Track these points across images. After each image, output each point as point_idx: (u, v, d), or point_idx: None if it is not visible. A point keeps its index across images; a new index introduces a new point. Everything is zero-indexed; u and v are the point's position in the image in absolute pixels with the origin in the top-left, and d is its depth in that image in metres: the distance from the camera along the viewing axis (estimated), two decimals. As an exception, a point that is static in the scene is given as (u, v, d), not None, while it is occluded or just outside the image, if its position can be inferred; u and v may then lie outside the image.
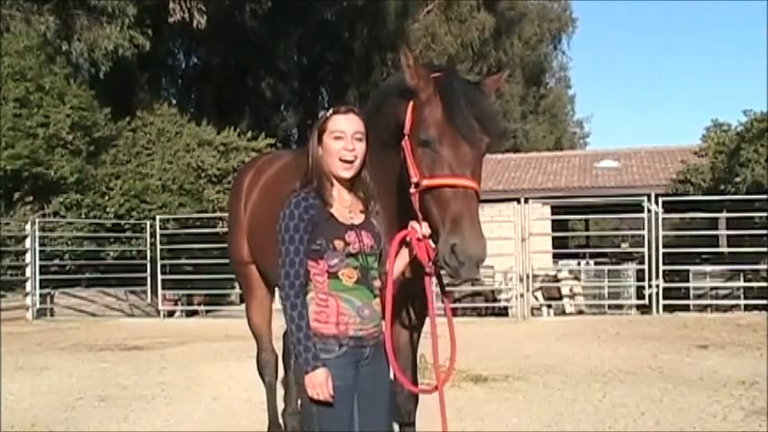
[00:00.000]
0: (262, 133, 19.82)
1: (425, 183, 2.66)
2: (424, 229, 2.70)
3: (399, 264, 2.78)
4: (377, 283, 2.68)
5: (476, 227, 2.56)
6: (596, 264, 18.74)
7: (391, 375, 2.80)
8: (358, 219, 2.69)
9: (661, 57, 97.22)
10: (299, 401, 2.64)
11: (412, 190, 2.70)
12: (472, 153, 2.67)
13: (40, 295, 13.64)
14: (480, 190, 2.67)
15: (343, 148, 2.63)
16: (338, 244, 2.58)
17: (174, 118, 19.07)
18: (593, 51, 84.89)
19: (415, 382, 3.33)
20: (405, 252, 2.78)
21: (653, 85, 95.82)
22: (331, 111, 2.73)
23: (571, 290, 14.99)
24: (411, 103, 2.79)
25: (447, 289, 2.94)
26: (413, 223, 2.74)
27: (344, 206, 2.69)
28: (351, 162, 2.65)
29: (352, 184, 2.72)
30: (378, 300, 2.68)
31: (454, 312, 12.83)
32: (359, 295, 2.61)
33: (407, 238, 2.74)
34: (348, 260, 2.60)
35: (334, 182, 2.69)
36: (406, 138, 2.77)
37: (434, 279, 2.82)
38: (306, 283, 2.59)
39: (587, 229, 28.36)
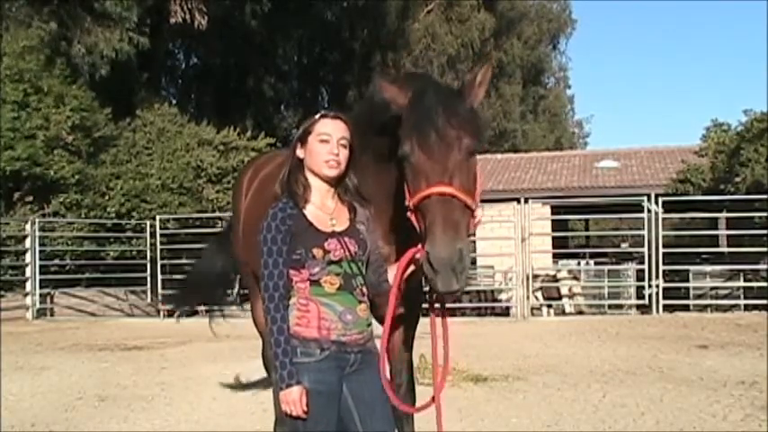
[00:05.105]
0: (261, 133, 19.85)
1: (410, 203, 2.58)
2: None
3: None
4: (363, 290, 2.65)
5: (448, 231, 2.41)
6: (596, 264, 18.73)
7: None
8: (341, 226, 2.66)
9: (661, 56, 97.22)
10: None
11: (408, 214, 2.62)
12: (449, 158, 2.52)
13: (40, 295, 13.64)
14: (462, 193, 2.50)
15: (329, 151, 2.63)
16: (317, 252, 2.55)
17: (174, 118, 19.07)
18: (593, 51, 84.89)
19: (413, 389, 3.28)
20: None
21: (653, 85, 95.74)
22: (319, 114, 2.73)
23: (570, 290, 14.99)
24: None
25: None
26: None
27: (326, 213, 2.66)
28: (335, 164, 2.65)
29: (336, 191, 2.71)
30: (363, 306, 2.64)
31: (454, 312, 12.91)
32: (341, 300, 2.58)
33: (416, 256, 2.63)
34: (330, 267, 2.57)
35: (314, 185, 2.67)
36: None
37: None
38: (287, 294, 2.57)
39: (587, 229, 28.36)
